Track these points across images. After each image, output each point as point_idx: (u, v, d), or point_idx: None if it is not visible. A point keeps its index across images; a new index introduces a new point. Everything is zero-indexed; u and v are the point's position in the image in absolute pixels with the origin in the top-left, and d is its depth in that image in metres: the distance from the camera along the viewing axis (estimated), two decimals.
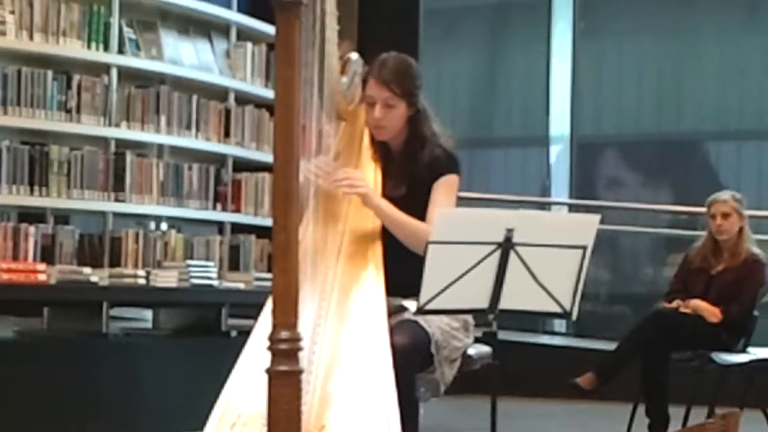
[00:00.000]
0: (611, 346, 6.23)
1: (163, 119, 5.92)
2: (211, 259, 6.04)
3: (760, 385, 5.83)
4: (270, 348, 2.69)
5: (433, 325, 3.49)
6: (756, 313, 6.00)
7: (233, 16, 6.47)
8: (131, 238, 5.80)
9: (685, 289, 6.12)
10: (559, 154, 11.30)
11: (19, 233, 5.42)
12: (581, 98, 11.17)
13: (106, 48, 5.72)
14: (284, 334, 2.69)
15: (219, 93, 6.30)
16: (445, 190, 3.66)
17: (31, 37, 5.48)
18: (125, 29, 5.85)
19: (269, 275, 2.81)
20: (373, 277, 3.42)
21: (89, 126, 5.65)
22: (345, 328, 3.26)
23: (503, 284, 3.23)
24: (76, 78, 5.60)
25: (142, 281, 5.56)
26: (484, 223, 3.20)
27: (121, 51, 5.81)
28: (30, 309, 6.26)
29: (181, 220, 6.28)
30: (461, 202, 3.81)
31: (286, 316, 2.70)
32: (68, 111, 5.57)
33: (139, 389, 5.39)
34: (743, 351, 5.91)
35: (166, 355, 5.67)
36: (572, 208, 10.42)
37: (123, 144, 5.81)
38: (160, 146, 6.09)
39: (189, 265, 5.73)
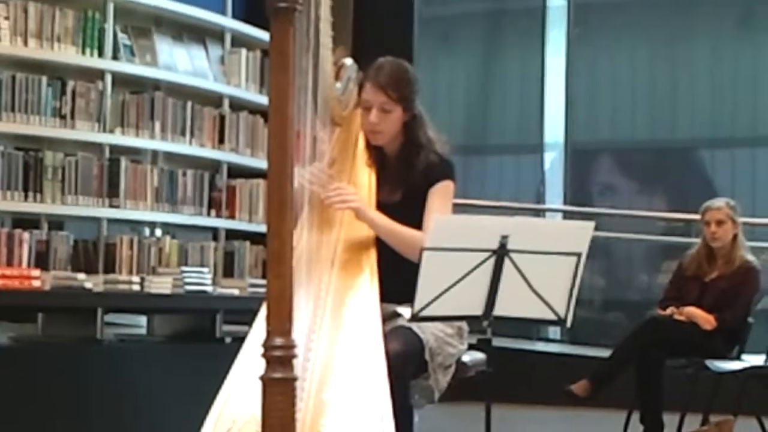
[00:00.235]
0: (606, 353, 6.24)
1: (157, 125, 5.92)
2: (205, 265, 6.03)
3: (755, 392, 5.83)
4: (264, 355, 2.69)
5: (427, 331, 3.49)
6: (750, 320, 6.01)
7: (228, 22, 6.47)
8: (126, 244, 5.80)
9: (680, 297, 6.14)
10: (553, 160, 11.32)
11: (13, 239, 5.41)
12: (576, 105, 11.19)
13: (101, 54, 5.72)
14: (279, 341, 2.68)
15: (213, 99, 6.30)
16: (441, 196, 3.66)
17: (25, 43, 5.47)
18: (120, 35, 5.84)
19: (264, 281, 2.80)
20: (367, 283, 3.42)
21: (84, 132, 5.64)
22: (339, 334, 3.26)
23: (498, 291, 3.24)
24: (70, 84, 5.59)
25: (136, 287, 5.55)
26: (478, 229, 3.20)
27: (115, 57, 5.80)
28: (24, 315, 6.24)
29: (175, 226, 6.27)
30: (456, 208, 3.81)
31: (281, 323, 2.70)
32: (62, 117, 5.56)
33: (134, 395, 5.38)
34: (737, 358, 5.92)
35: (161, 362, 5.66)
36: (567, 215, 10.43)
37: (117, 150, 5.81)
38: (155, 152, 6.09)
39: (183, 271, 5.72)
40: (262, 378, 2.69)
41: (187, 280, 5.68)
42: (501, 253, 3.19)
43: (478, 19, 12.00)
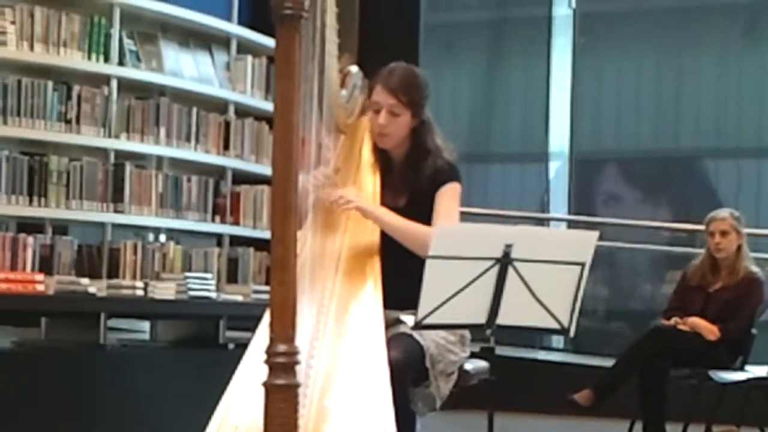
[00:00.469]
0: (609, 362, 6.23)
1: (162, 131, 5.93)
2: (209, 271, 6.03)
3: (758, 403, 5.83)
4: (267, 361, 2.69)
5: (428, 338, 3.49)
6: (754, 331, 6.00)
7: (234, 28, 6.48)
8: (129, 250, 5.80)
9: (684, 307, 6.13)
10: (558, 170, 11.31)
11: (17, 243, 5.42)
12: (580, 114, 11.19)
13: (107, 59, 5.73)
14: (282, 348, 2.68)
15: (219, 105, 6.30)
16: (449, 196, 3.67)
17: (31, 48, 5.48)
18: (126, 41, 5.85)
19: (267, 288, 2.80)
20: (371, 290, 3.42)
21: (89, 137, 5.65)
22: (342, 341, 3.26)
23: (501, 300, 3.23)
24: (76, 89, 5.60)
25: (140, 293, 5.55)
26: (482, 238, 3.20)
27: (121, 62, 5.81)
28: (28, 319, 6.24)
29: (179, 231, 6.27)
30: (460, 217, 3.81)
31: (284, 330, 2.70)
32: (68, 122, 5.57)
33: (136, 401, 5.38)
34: (741, 369, 5.91)
35: (164, 367, 5.66)
36: (571, 224, 10.43)
37: (122, 155, 5.81)
38: (160, 158, 6.10)
39: (187, 277, 5.72)
40: (265, 384, 2.69)
41: (191, 285, 5.68)
42: (505, 261, 3.19)
43: (483, 27, 12.00)
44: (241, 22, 6.58)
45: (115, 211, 5.72)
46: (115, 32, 5.75)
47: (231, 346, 5.90)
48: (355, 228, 3.59)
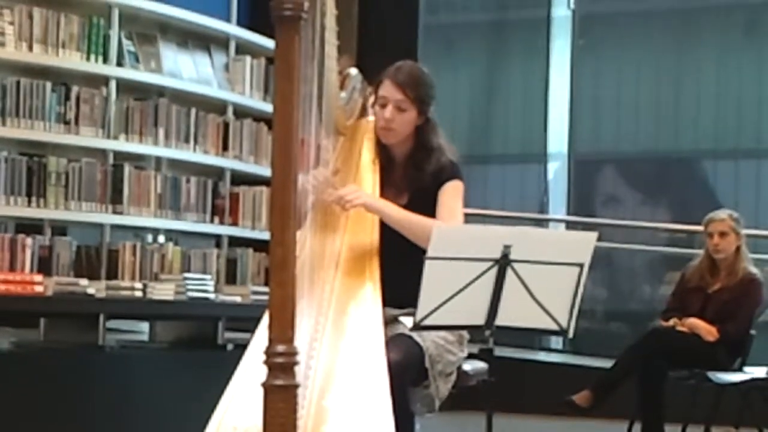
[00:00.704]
0: (608, 363, 6.23)
1: (161, 132, 5.93)
2: (208, 272, 6.03)
3: (756, 404, 5.83)
4: (266, 362, 2.69)
5: (427, 339, 3.49)
6: (753, 332, 6.00)
7: (232, 29, 6.48)
8: (128, 251, 5.80)
9: (682, 308, 6.13)
10: (556, 171, 11.31)
11: (16, 244, 5.42)
12: (579, 115, 11.18)
13: (105, 60, 5.73)
14: (281, 348, 2.68)
15: (218, 106, 6.30)
16: (452, 193, 3.67)
17: (30, 49, 5.48)
18: (124, 42, 5.85)
19: (266, 289, 2.80)
20: (370, 291, 3.42)
21: (87, 138, 5.65)
22: (341, 342, 3.26)
23: (500, 301, 3.23)
24: (74, 90, 5.60)
25: (138, 294, 5.55)
26: (481, 239, 3.20)
27: (120, 63, 5.81)
28: (26, 320, 6.24)
29: (178, 232, 6.27)
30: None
31: (283, 330, 2.70)
32: (67, 123, 5.57)
33: (135, 402, 5.38)
34: (740, 370, 5.92)
35: (162, 368, 5.66)
36: (570, 225, 10.42)
37: (121, 156, 5.81)
38: (158, 159, 6.10)
39: (186, 278, 5.72)
40: (264, 385, 2.69)
41: (190, 286, 5.68)
42: (504, 262, 3.19)
43: (482, 28, 11.99)
44: (239, 23, 6.58)
45: (114, 212, 5.72)
46: (113, 33, 5.75)
47: (230, 347, 5.90)
48: (354, 228, 3.59)
